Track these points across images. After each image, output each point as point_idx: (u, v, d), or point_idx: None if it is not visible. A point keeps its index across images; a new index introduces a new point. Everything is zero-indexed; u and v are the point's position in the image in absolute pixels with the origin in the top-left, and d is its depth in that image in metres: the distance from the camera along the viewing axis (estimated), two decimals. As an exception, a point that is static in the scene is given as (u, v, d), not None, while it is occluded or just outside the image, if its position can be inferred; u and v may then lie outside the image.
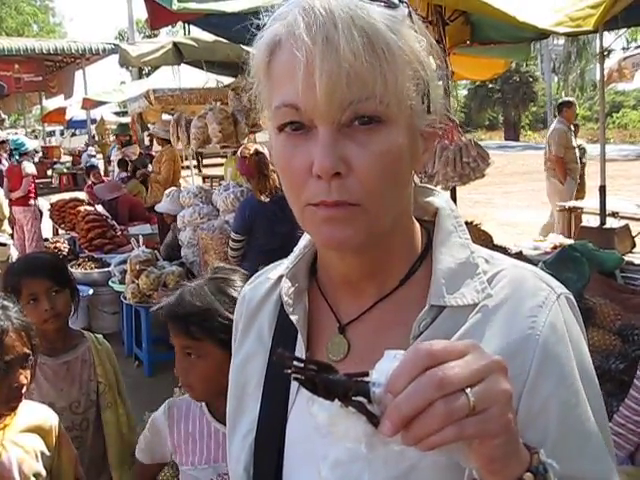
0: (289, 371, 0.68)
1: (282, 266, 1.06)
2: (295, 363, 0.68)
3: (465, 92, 42.47)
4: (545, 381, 0.85)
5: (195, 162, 13.26)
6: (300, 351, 0.99)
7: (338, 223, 0.83)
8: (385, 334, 0.94)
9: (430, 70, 0.87)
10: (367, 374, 0.68)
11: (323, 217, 0.84)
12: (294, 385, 0.97)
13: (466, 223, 3.07)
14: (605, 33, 5.84)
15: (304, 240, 1.05)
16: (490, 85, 36.60)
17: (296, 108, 0.81)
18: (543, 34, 5.55)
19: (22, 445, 1.95)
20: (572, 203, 8.37)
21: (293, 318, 0.99)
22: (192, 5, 4.35)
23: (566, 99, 10.37)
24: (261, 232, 5.05)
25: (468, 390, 0.65)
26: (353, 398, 0.67)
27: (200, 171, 19.50)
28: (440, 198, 1.02)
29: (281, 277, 1.04)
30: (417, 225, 0.99)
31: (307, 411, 0.91)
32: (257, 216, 5.09)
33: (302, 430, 0.95)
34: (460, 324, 0.89)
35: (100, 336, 2.79)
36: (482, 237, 3.84)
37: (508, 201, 14.83)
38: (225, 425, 1.30)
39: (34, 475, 1.94)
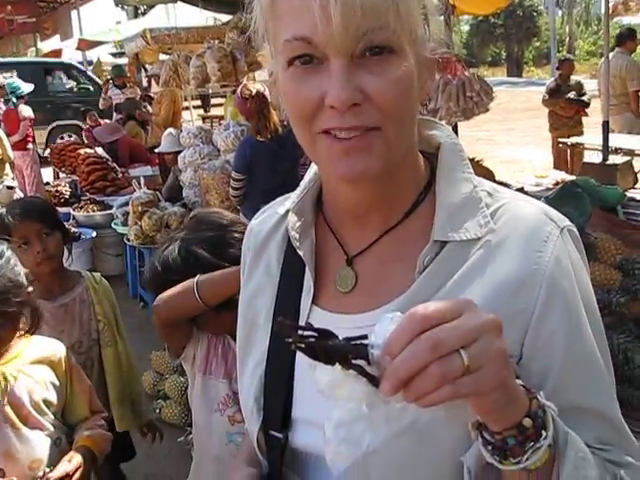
0: (290, 340, 0.70)
1: (289, 201, 1.07)
2: (299, 332, 0.70)
3: (467, 28, 41.69)
4: (551, 314, 0.87)
5: (196, 102, 13.12)
6: (308, 285, 1.01)
7: (357, 153, 0.84)
8: (391, 266, 0.95)
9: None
10: (366, 337, 0.71)
11: (341, 149, 0.84)
12: (303, 318, 0.99)
13: (468, 160, 3.05)
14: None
15: (309, 174, 1.06)
16: (493, 20, 35.91)
17: (308, 41, 0.81)
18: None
19: (31, 375, 1.99)
20: (574, 139, 8.32)
21: (300, 252, 1.01)
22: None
23: (627, 28, 9.81)
24: (262, 170, 5.05)
25: (462, 351, 0.67)
26: (353, 361, 0.69)
27: (206, 111, 19.35)
28: (443, 132, 1.02)
29: (288, 212, 1.05)
30: (421, 157, 0.99)
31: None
32: (257, 155, 5.07)
33: (309, 365, 0.97)
34: (464, 259, 0.91)
35: (98, 275, 2.81)
36: (484, 174, 3.81)
37: (510, 138, 14.72)
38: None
39: (44, 403, 1.99)
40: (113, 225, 6.69)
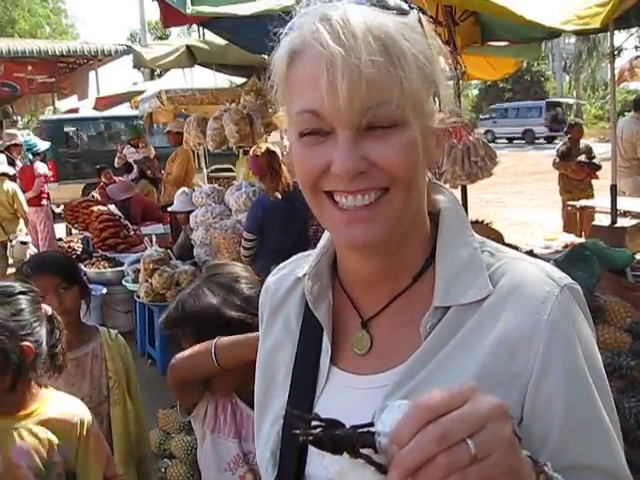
0: (297, 432, 0.71)
1: (306, 264, 1.09)
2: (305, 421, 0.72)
3: (476, 92, 42.41)
4: (548, 377, 0.88)
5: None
6: (326, 346, 1.03)
7: (360, 224, 0.88)
8: (402, 330, 0.98)
9: (440, 71, 0.92)
10: (372, 424, 0.72)
11: (345, 219, 0.89)
12: (322, 377, 1.02)
13: (477, 222, 3.11)
14: (616, 32, 5.84)
15: (324, 239, 1.08)
16: (501, 84, 36.56)
17: (317, 114, 0.86)
18: (554, 33, 5.56)
19: (39, 436, 1.96)
20: (583, 202, 8.37)
21: (318, 315, 1.04)
22: (205, 9, 4.39)
23: None
24: (273, 231, 5.10)
25: (469, 440, 0.67)
26: (360, 450, 0.70)
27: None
28: (446, 196, 1.04)
29: (305, 275, 1.08)
30: (428, 220, 1.02)
31: (335, 400, 0.98)
32: (269, 215, 5.14)
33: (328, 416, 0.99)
34: (465, 321, 0.93)
35: (114, 331, 2.79)
36: (493, 236, 3.86)
37: (519, 200, 14.81)
38: (246, 402, 1.59)
39: (46, 466, 1.95)
40: (124, 282, 6.72)
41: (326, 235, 1.07)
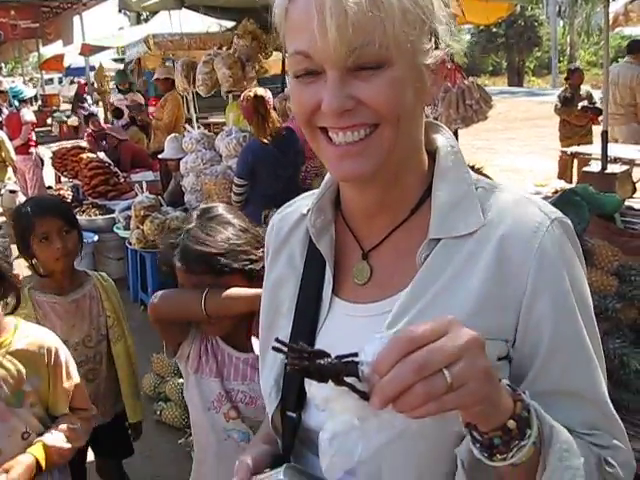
0: (286, 361, 0.77)
1: (310, 199, 1.15)
2: (295, 352, 0.77)
3: (469, 37, 41.86)
4: (539, 300, 0.94)
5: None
6: (328, 278, 1.09)
7: (351, 158, 0.93)
8: (401, 260, 1.03)
9: (436, 9, 0.95)
10: (356, 355, 0.76)
11: (336, 154, 0.94)
12: (324, 307, 1.08)
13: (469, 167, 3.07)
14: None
15: (327, 176, 1.14)
16: (494, 30, 36.06)
17: (308, 55, 0.91)
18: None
19: (8, 367, 2.02)
20: (574, 148, 8.37)
21: (320, 248, 1.09)
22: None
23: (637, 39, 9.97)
24: (264, 176, 5.10)
25: (445, 370, 0.72)
26: (345, 379, 0.75)
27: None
28: (442, 135, 1.09)
29: (309, 210, 1.13)
30: (426, 157, 1.06)
31: (335, 331, 1.05)
32: (259, 160, 5.13)
33: (328, 346, 1.02)
34: (458, 253, 0.98)
35: (104, 274, 2.91)
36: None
37: (510, 147, 14.76)
38: (225, 341, 1.76)
39: (18, 395, 2.03)
40: (115, 229, 6.72)
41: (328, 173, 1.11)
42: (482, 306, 0.94)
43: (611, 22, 7.97)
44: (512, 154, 13.78)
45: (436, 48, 0.96)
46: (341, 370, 0.75)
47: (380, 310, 1.01)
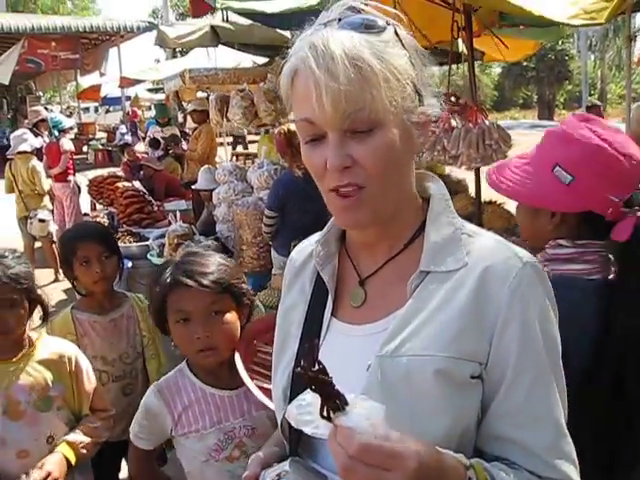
0: (298, 369, 0.95)
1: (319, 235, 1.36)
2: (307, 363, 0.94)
3: (499, 70, 42.03)
4: (508, 329, 1.12)
5: (228, 139, 13.48)
6: (329, 301, 1.28)
7: (349, 210, 1.13)
8: (392, 287, 1.22)
9: (417, 74, 1.14)
10: (344, 400, 0.94)
11: (339, 206, 1.14)
12: (324, 326, 1.27)
13: (489, 203, 3.26)
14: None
15: None
16: (525, 63, 36.10)
17: (311, 122, 1.11)
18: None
19: (34, 375, 2.27)
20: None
21: (323, 275, 1.29)
22: (235, 4, 4.52)
23: None
24: (294, 209, 5.26)
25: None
26: (329, 405, 0.93)
27: (246, 148, 19.87)
28: (435, 183, 1.29)
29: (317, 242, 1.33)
30: (420, 201, 1.26)
31: (334, 347, 1.23)
32: (290, 194, 5.29)
33: (328, 360, 1.21)
34: (444, 285, 1.16)
35: (141, 295, 3.08)
36: (504, 216, 3.99)
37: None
38: (214, 387, 1.92)
39: (45, 401, 2.27)
40: (149, 256, 6.90)
41: None
42: (460, 332, 1.11)
43: (636, 59, 8.08)
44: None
45: (420, 105, 1.15)
46: (336, 397, 0.93)
47: (372, 331, 1.19)
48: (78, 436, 2.31)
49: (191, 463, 2.02)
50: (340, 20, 1.12)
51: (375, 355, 1.14)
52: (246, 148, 20.65)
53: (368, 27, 1.11)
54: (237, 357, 2.02)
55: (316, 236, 1.37)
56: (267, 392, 1.88)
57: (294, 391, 1.26)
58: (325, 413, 0.93)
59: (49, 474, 2.14)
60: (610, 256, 1.66)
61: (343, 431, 0.92)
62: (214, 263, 2.01)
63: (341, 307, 1.27)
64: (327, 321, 1.27)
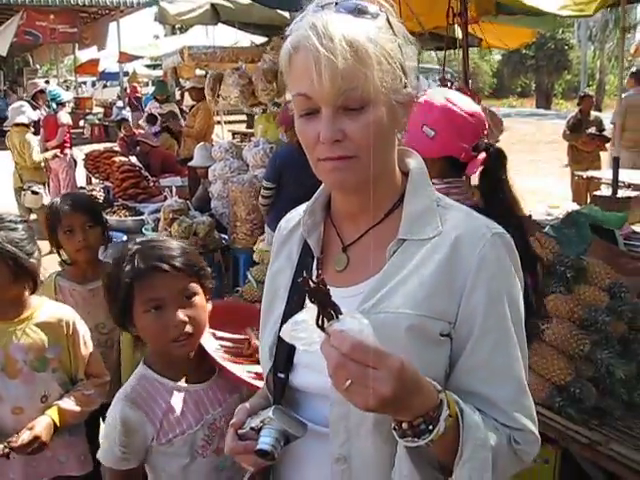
0: (299, 280, 1.06)
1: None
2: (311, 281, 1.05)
3: (499, 57, 41.92)
4: (476, 293, 1.24)
5: (227, 118, 13.49)
6: (314, 265, 1.39)
7: (340, 171, 1.23)
8: (372, 254, 1.31)
9: (406, 56, 1.25)
10: (341, 313, 1.04)
11: (330, 167, 1.24)
12: None
13: (477, 187, 3.29)
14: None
15: (321, 187, 1.44)
16: (524, 51, 36.01)
17: (308, 97, 1.21)
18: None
19: (32, 336, 2.39)
20: (590, 173, 8.55)
21: (309, 242, 1.40)
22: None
23: None
24: (290, 181, 5.35)
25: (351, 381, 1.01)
26: (324, 315, 1.03)
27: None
28: (415, 159, 1.40)
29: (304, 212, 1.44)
30: (400, 175, 1.37)
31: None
32: (286, 165, 5.40)
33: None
34: (419, 251, 1.28)
35: None
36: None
37: (532, 169, 14.89)
38: (186, 383, 1.88)
39: (40, 361, 2.39)
40: (144, 230, 6.97)
41: (323, 185, 1.42)
42: (432, 293, 1.23)
43: (632, 51, 8.15)
44: (533, 176, 13.92)
45: (405, 87, 1.26)
46: (333, 308, 1.03)
47: (354, 292, 1.30)
48: (70, 404, 2.40)
49: (169, 471, 1.91)
50: (337, 4, 1.20)
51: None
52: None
53: (362, 12, 1.20)
54: (205, 341, 1.97)
55: (303, 206, 1.48)
56: (224, 369, 1.96)
57: (278, 347, 1.38)
58: (320, 322, 1.03)
59: (37, 437, 2.24)
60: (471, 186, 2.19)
61: (336, 333, 1.01)
62: (178, 247, 1.91)
63: (325, 271, 1.37)
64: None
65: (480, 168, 2.15)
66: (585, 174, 8.53)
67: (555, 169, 13.99)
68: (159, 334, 1.85)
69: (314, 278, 1.04)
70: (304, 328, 1.06)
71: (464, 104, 2.20)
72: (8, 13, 20.72)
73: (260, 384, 1.86)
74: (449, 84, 3.79)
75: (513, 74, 41.38)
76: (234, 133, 16.89)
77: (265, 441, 1.28)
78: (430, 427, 1.07)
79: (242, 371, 1.98)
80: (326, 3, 1.22)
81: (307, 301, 1.06)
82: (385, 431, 1.19)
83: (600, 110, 21.99)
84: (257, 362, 1.91)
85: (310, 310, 1.05)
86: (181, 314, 1.82)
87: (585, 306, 3.07)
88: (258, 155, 6.53)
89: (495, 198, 2.12)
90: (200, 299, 1.90)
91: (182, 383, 1.94)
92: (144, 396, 1.90)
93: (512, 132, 20.89)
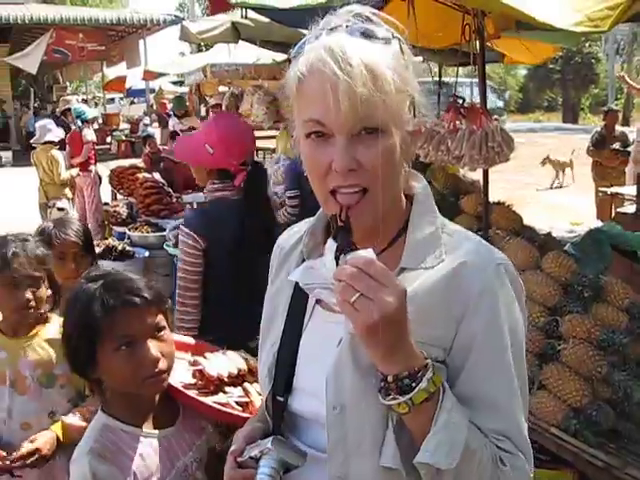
0: (333, 221, 1.17)
1: (308, 224, 1.43)
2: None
3: (525, 72, 41.76)
4: (474, 321, 1.20)
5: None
6: None
7: (353, 215, 1.18)
8: None
9: (415, 86, 1.22)
10: (357, 248, 1.10)
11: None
12: (307, 314, 1.35)
13: (497, 203, 3.33)
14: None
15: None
16: (550, 65, 35.81)
17: (321, 123, 1.17)
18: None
19: (40, 353, 2.42)
20: (614, 189, 8.44)
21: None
22: (250, 0, 4.59)
23: None
24: (309, 190, 5.35)
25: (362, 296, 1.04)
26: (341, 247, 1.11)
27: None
28: (420, 182, 1.37)
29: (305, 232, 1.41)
30: (404, 201, 1.33)
31: (316, 329, 1.33)
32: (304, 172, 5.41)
33: (310, 342, 1.33)
34: (418, 279, 1.24)
35: None
36: (511, 217, 4.04)
37: (556, 184, 14.75)
38: (139, 427, 1.74)
39: (48, 378, 2.41)
40: (165, 246, 7.02)
41: None
42: (428, 319, 1.20)
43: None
44: (557, 192, 13.79)
45: (415, 116, 1.23)
46: (349, 243, 1.11)
47: None
48: (74, 419, 2.40)
49: None
50: (347, 27, 1.17)
51: (347, 332, 1.21)
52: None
53: (375, 36, 1.17)
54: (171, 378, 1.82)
55: (305, 224, 1.45)
56: (198, 403, 1.86)
57: (278, 369, 1.35)
58: (337, 254, 1.10)
59: (38, 450, 2.25)
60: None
61: (352, 258, 1.07)
62: (140, 279, 1.80)
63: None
64: (311, 307, 1.36)
65: (245, 178, 2.92)
66: (609, 190, 8.42)
67: (580, 184, 13.82)
68: (132, 373, 1.70)
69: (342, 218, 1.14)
70: (317, 274, 1.14)
71: (235, 128, 3.02)
72: (38, 32, 21.12)
73: (235, 413, 1.87)
74: (460, 101, 3.76)
75: (539, 88, 41.15)
76: (258, 149, 16.97)
77: (264, 472, 1.26)
78: (413, 384, 1.08)
79: (211, 403, 1.88)
80: (335, 25, 1.19)
81: (326, 249, 1.14)
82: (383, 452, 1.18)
83: (628, 124, 21.72)
84: (212, 392, 1.94)
85: (322, 258, 1.13)
86: (154, 350, 1.71)
87: (603, 326, 3.02)
88: (278, 172, 6.55)
89: (253, 197, 2.92)
90: (168, 332, 1.80)
91: (149, 429, 1.79)
92: (112, 449, 1.72)
93: (536, 147, 20.75)
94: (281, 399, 1.34)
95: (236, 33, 7.50)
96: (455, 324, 1.21)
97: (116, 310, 1.68)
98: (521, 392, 1.23)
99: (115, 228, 8.21)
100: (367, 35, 1.16)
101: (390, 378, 1.09)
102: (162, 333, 1.76)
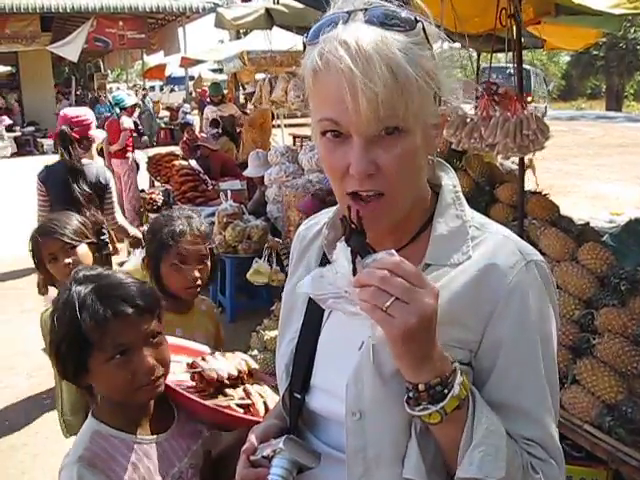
0: (344, 225, 1.08)
1: (328, 215, 1.36)
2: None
3: (568, 59, 40.97)
4: (503, 324, 1.13)
5: (287, 121, 13.58)
6: None
7: (369, 220, 1.10)
8: None
9: (442, 75, 1.13)
10: (374, 251, 1.05)
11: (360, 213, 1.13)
12: (327, 309, 1.28)
13: (533, 193, 3.25)
14: None
15: None
16: (594, 52, 35.03)
17: (336, 122, 1.08)
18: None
19: (204, 325, 2.59)
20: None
21: (330, 258, 1.27)
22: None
23: None
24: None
25: (394, 299, 0.97)
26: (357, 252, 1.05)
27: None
28: (447, 174, 1.29)
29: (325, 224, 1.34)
30: (429, 193, 1.26)
31: (335, 326, 1.27)
32: None
33: (329, 340, 1.29)
34: (443, 277, 1.17)
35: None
36: (548, 206, 3.94)
37: (599, 173, 14.44)
38: (132, 433, 1.64)
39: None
40: (199, 233, 7.07)
41: None
42: (455, 320, 1.13)
43: None
44: (599, 181, 13.50)
45: (440, 105, 1.14)
46: (365, 246, 1.05)
47: None
48: None
49: None
50: (366, 10, 1.08)
51: (369, 335, 1.13)
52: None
53: (397, 24, 1.07)
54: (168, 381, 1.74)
55: (326, 215, 1.39)
56: (195, 403, 1.78)
57: (295, 366, 1.31)
58: (354, 258, 1.04)
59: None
60: None
61: (379, 260, 1.01)
62: (134, 282, 1.68)
63: None
64: None
65: None
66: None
67: (623, 174, 13.52)
68: (126, 382, 1.61)
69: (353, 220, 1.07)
70: (329, 283, 1.06)
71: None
72: (80, 21, 21.38)
73: (236, 414, 1.81)
74: (495, 87, 3.67)
75: (582, 75, 40.34)
76: (295, 136, 16.94)
77: (277, 472, 1.23)
78: (445, 391, 1.02)
79: (211, 405, 1.81)
80: (353, 10, 1.08)
81: (335, 256, 1.07)
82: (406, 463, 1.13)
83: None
84: (211, 396, 1.87)
85: (330, 265, 1.07)
86: (150, 358, 1.62)
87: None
88: (313, 159, 6.53)
89: None
90: (162, 337, 1.71)
91: (142, 435, 1.69)
92: (103, 457, 1.62)
93: (578, 135, 20.37)
94: (298, 396, 1.30)
95: (270, 19, 7.46)
96: (482, 325, 1.14)
97: (108, 321, 1.56)
98: (552, 396, 1.16)
99: (151, 215, 8.28)
100: (387, 24, 1.06)
101: (422, 387, 1.03)
102: (157, 339, 1.67)
